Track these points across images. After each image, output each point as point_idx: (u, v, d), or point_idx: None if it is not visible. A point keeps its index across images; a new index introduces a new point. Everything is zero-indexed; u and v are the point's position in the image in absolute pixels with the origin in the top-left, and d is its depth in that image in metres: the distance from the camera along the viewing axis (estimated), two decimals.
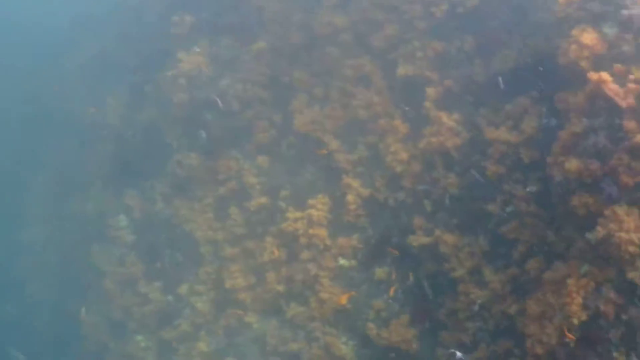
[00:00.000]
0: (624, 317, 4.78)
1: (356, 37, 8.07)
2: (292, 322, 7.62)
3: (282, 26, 8.54)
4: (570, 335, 4.82)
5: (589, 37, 5.14)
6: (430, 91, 7.24)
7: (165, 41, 9.76)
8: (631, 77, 4.95)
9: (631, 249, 4.62)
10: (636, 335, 4.69)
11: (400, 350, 6.93)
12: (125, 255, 9.20)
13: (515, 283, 6.15)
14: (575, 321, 4.88)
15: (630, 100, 4.87)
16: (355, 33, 8.07)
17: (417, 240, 7.02)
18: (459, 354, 6.44)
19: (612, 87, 4.94)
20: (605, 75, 4.99)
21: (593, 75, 5.05)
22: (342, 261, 7.53)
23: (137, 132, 9.49)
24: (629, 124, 4.80)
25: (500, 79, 6.85)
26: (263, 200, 8.06)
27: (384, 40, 7.76)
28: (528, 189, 6.14)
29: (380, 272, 7.29)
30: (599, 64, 5.23)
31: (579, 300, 4.87)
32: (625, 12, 5.25)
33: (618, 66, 5.10)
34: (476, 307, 6.40)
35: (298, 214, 7.70)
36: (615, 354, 4.77)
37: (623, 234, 4.62)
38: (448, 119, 7.04)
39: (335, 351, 7.27)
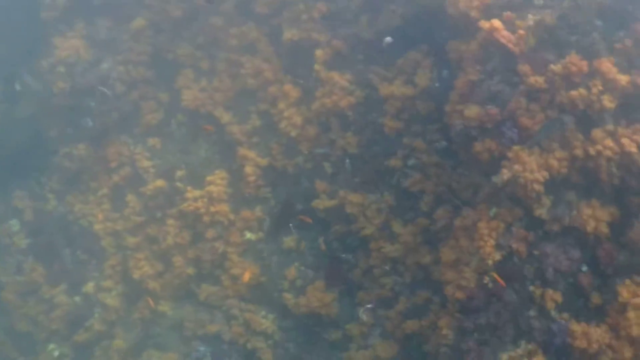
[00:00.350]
0: (535, 252, 4.94)
1: (238, 5, 7.74)
2: (207, 304, 7.43)
3: (161, 0, 8.12)
4: (498, 278, 4.90)
5: None
6: (319, 53, 7.12)
7: (37, 26, 9.02)
8: (520, 23, 5.08)
9: (537, 187, 4.77)
10: (547, 270, 4.86)
11: (322, 316, 6.92)
12: (22, 262, 8.52)
13: (427, 234, 6.27)
14: (490, 262, 5.00)
15: (522, 46, 4.98)
16: (237, 1, 7.77)
17: (322, 204, 6.99)
18: (369, 306, 6.56)
19: (504, 34, 5.04)
20: (497, 23, 5.06)
21: (485, 24, 5.12)
22: (249, 235, 7.39)
23: (17, 128, 8.82)
24: (524, 68, 4.91)
25: (388, 36, 6.89)
26: (159, 183, 7.74)
27: (267, 6, 7.51)
28: (437, 145, 6.23)
29: (288, 241, 7.22)
30: (488, 12, 5.31)
31: (491, 242, 4.99)
32: None
33: (508, 13, 5.19)
34: (388, 264, 6.53)
35: (197, 193, 7.46)
36: (531, 288, 4.94)
37: (528, 174, 4.76)
38: (340, 79, 6.96)
39: (256, 326, 7.17)
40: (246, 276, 7.10)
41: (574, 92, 4.67)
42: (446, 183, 6.02)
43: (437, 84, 6.42)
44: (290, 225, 7.25)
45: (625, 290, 4.56)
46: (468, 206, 5.38)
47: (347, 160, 7.01)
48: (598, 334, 4.51)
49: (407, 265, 6.47)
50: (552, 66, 4.70)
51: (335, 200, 6.94)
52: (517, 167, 4.78)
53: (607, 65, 4.62)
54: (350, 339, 6.84)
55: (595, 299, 4.79)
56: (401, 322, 6.36)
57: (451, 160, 6.12)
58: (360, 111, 6.97)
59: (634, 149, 4.49)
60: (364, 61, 7.11)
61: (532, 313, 4.92)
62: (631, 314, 4.43)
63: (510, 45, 4.98)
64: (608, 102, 4.61)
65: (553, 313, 4.84)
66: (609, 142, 4.55)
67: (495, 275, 4.92)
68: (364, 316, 6.74)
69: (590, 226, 4.72)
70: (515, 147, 4.84)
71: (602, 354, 4.51)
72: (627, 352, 4.43)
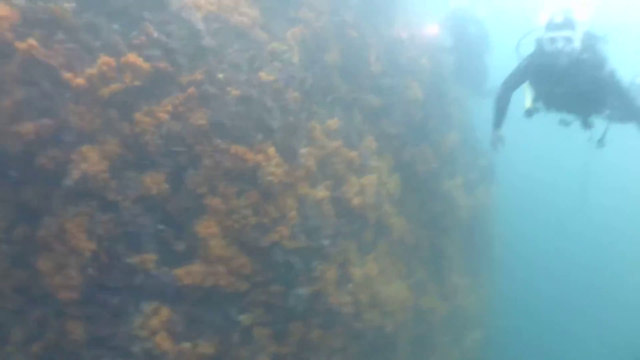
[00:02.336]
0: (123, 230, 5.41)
1: None
2: None
3: None
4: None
5: (2, 9, 4.98)
6: None
7: None
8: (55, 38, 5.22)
9: (103, 176, 5.29)
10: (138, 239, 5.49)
11: None
12: None
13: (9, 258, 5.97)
14: (88, 253, 5.32)
15: (61, 59, 5.19)
16: None
17: None
18: None
19: (42, 51, 5.10)
20: (32, 41, 5.05)
21: (21, 45, 5.03)
22: None
23: None
24: (68, 75, 5.14)
25: None
26: None
27: None
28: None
29: None
30: (20, 32, 5.13)
31: (82, 236, 5.28)
32: None
33: (37, 32, 5.20)
34: None
35: None
36: (129, 260, 5.49)
37: (94, 167, 5.26)
38: None
39: None
40: None
41: (113, 86, 5.36)
42: (12, 202, 5.89)
43: None
44: None
45: (200, 228, 5.78)
46: (48, 215, 5.53)
47: None
48: (196, 268, 5.64)
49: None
50: (88, 70, 5.22)
51: None
52: (83, 165, 5.22)
53: (132, 57, 5.44)
54: None
55: (180, 245, 5.82)
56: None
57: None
58: None
59: (166, 118, 5.58)
60: None
61: (139, 279, 5.60)
62: (212, 243, 5.73)
63: (51, 61, 5.16)
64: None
65: (156, 271, 5.67)
66: (148, 119, 5.49)
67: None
68: None
69: (154, 190, 5.63)
70: (78, 149, 5.24)
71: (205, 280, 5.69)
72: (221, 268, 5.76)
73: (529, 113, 7.79)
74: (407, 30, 9.62)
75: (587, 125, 7.74)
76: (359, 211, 7.68)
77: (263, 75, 6.61)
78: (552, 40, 6.95)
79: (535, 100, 7.77)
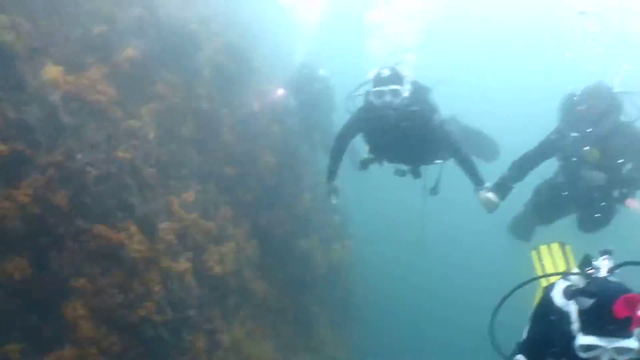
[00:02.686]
0: None
1: None
2: None
3: None
4: None
5: None
6: None
7: None
8: None
9: None
10: None
11: None
12: None
13: None
14: None
15: None
16: None
17: None
18: None
19: None
20: None
21: None
22: None
23: None
24: None
25: None
26: None
27: None
28: None
29: None
30: None
31: None
32: None
33: None
34: None
35: None
36: None
37: None
38: None
39: None
40: None
41: None
42: None
43: None
44: None
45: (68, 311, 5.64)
46: None
47: None
48: (67, 353, 5.46)
49: None
50: None
51: None
52: None
53: None
54: None
55: (48, 331, 5.56)
56: None
57: None
58: None
59: (27, 200, 5.46)
60: None
61: None
62: (81, 325, 5.61)
63: None
64: None
65: None
66: (8, 204, 5.32)
67: None
68: None
69: (17, 276, 5.41)
70: None
71: None
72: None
73: (364, 165, 7.84)
74: (258, 98, 10.23)
75: (416, 174, 7.87)
76: (221, 279, 7.91)
77: (120, 153, 6.72)
78: (380, 93, 6.98)
79: (369, 152, 7.79)
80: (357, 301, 12.90)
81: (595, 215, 7.23)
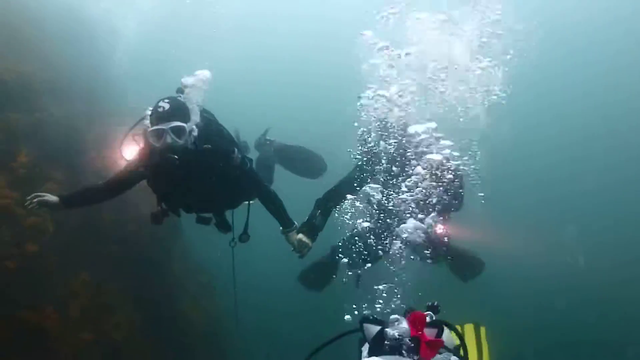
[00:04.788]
0: None
1: None
2: None
3: None
4: None
5: None
6: None
7: None
8: None
9: None
10: None
11: None
12: None
13: None
14: None
15: None
16: None
17: None
18: None
19: None
20: None
21: None
22: None
23: None
24: None
25: None
26: None
27: None
28: None
29: None
30: None
31: None
32: None
33: None
34: None
35: None
36: None
37: None
38: None
39: None
40: None
41: None
42: None
43: None
44: None
45: None
46: None
47: None
48: None
49: None
50: None
51: None
52: None
53: None
54: None
55: None
56: None
57: None
58: None
59: None
60: None
61: None
62: None
63: None
64: None
65: None
66: None
67: None
68: None
69: None
70: None
71: None
72: None
73: (155, 219, 6.51)
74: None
75: (224, 226, 6.85)
76: (120, 344, 9.14)
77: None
78: (158, 133, 5.71)
79: (158, 203, 6.48)
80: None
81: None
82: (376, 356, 3.23)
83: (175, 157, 5.75)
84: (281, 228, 6.77)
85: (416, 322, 3.24)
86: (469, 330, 5.49)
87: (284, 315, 17.41)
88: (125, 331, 9.41)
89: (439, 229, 6.67)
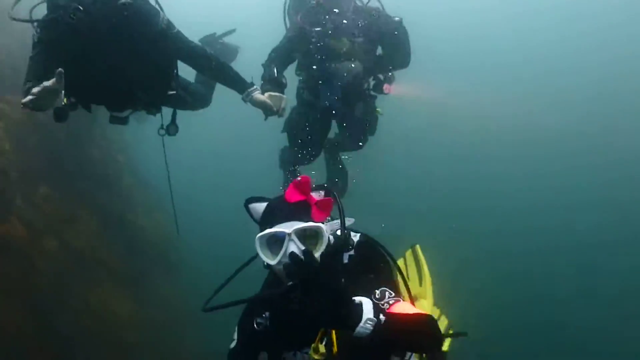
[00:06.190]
0: None
1: None
2: None
3: None
4: None
5: None
6: None
7: None
8: None
9: None
10: None
11: None
12: None
13: None
14: None
15: None
16: None
17: None
18: None
19: None
20: None
21: None
22: None
23: None
24: None
25: None
26: None
27: None
28: None
29: None
30: None
31: None
32: None
33: None
34: None
35: None
36: None
37: None
38: None
39: None
40: None
41: None
42: None
43: None
44: None
45: None
46: None
47: None
48: None
49: None
50: None
51: None
52: None
53: None
54: None
55: None
56: None
57: None
58: None
59: None
60: None
61: None
62: None
63: None
64: None
65: None
66: None
67: None
68: None
69: None
70: None
71: None
72: None
73: (58, 116, 4.69)
74: None
75: (151, 106, 5.64)
76: (80, 251, 10.08)
77: None
78: None
79: (66, 94, 4.63)
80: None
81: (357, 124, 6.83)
82: (269, 228, 3.07)
83: (79, 6, 4.41)
84: (242, 95, 5.59)
85: (302, 186, 3.07)
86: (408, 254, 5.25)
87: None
88: (84, 240, 10.30)
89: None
